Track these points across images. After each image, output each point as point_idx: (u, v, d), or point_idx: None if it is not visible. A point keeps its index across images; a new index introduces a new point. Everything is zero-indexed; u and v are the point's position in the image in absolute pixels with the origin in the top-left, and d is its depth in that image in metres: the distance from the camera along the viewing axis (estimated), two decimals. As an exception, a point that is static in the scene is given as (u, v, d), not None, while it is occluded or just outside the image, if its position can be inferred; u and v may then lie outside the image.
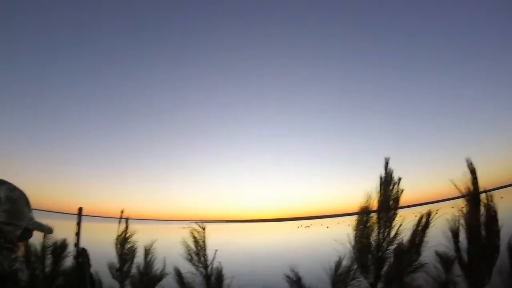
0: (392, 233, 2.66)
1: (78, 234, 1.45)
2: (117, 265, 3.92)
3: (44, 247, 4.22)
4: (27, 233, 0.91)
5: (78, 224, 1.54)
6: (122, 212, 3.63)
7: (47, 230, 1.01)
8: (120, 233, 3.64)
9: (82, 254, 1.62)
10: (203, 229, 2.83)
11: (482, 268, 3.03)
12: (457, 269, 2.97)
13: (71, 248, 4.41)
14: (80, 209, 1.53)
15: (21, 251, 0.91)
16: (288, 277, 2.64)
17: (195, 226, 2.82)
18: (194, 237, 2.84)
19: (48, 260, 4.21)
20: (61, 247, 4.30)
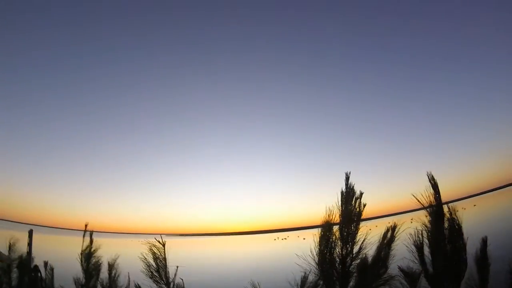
0: (356, 248, 2.63)
1: (29, 254, 1.35)
2: (83, 281, 3.77)
3: (10, 259, 4.08)
4: None
5: (29, 245, 1.44)
6: (86, 225, 3.50)
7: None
8: (84, 247, 3.51)
9: (34, 271, 1.53)
10: (163, 244, 2.73)
11: (450, 282, 3.03)
12: (424, 283, 2.95)
13: (37, 261, 4.23)
14: (30, 232, 1.45)
15: None
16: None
17: (155, 241, 2.72)
18: (154, 253, 2.74)
19: (14, 274, 4.06)
20: (26, 261, 4.15)
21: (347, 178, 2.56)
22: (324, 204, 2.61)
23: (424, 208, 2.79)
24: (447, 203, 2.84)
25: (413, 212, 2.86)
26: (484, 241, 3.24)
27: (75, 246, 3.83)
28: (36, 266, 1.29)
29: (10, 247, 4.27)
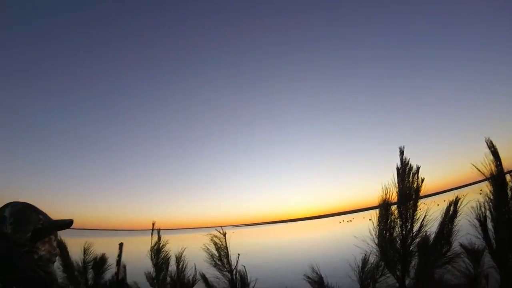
0: (416, 226, 2.60)
1: (118, 264, 1.46)
2: (153, 274, 4.22)
3: (85, 262, 4.66)
4: (41, 232, 0.97)
5: (119, 256, 1.58)
6: (153, 224, 3.91)
7: (63, 222, 1.04)
8: (153, 244, 3.92)
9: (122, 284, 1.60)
10: (224, 234, 2.97)
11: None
12: (488, 260, 2.80)
13: (110, 262, 4.80)
14: (121, 245, 1.57)
15: (45, 249, 0.97)
16: (308, 277, 2.69)
17: (216, 232, 2.98)
18: (215, 243, 3.00)
19: (90, 274, 4.63)
20: (101, 261, 4.71)
21: (402, 153, 2.52)
22: (382, 182, 2.60)
23: (485, 179, 2.64)
24: (510, 172, 2.66)
25: (475, 185, 2.73)
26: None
27: (145, 244, 4.25)
28: (123, 279, 1.40)
29: (85, 251, 4.87)
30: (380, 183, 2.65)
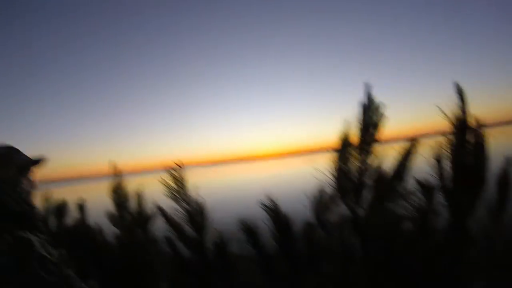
0: (373, 160, 2.60)
1: None
2: (115, 213, 4.13)
3: (47, 210, 4.55)
4: (23, 169, 1.11)
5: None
6: (113, 166, 3.80)
7: (38, 159, 1.16)
8: (113, 185, 3.80)
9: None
10: (181, 166, 2.85)
11: (466, 199, 2.99)
12: (439, 198, 2.94)
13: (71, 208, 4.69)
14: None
15: (25, 184, 1.11)
16: (264, 205, 2.68)
17: (174, 165, 2.85)
18: (173, 176, 2.89)
19: (53, 222, 4.54)
20: (61, 208, 4.62)
21: (367, 88, 2.42)
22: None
23: (448, 122, 2.63)
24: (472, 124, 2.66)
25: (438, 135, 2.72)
26: (509, 161, 3.11)
27: (106, 188, 4.13)
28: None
29: (46, 199, 4.70)
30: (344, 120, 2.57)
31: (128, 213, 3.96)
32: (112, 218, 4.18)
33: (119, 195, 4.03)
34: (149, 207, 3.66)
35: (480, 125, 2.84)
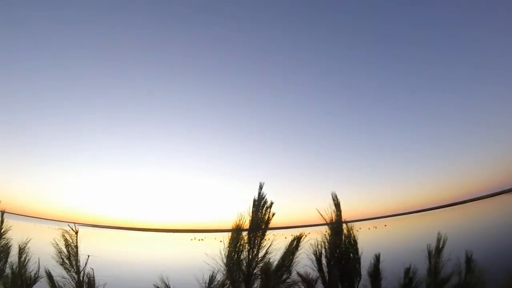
0: (262, 252, 2.94)
1: None
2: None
3: None
4: None
5: None
6: (-2, 202, 3.30)
7: None
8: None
9: None
10: (76, 232, 2.74)
11: (344, 289, 3.52)
12: (321, 289, 3.39)
13: None
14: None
15: None
16: (156, 287, 2.71)
17: (68, 228, 2.73)
18: (66, 240, 2.74)
19: None
20: None
21: (261, 187, 2.87)
22: (242, 209, 2.87)
23: (326, 224, 3.23)
24: (346, 222, 3.34)
25: (318, 227, 3.29)
26: (377, 257, 3.85)
27: None
28: None
29: None
30: (237, 210, 2.95)
31: (9, 267, 3.42)
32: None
33: None
34: (32, 266, 3.26)
35: (352, 224, 3.56)
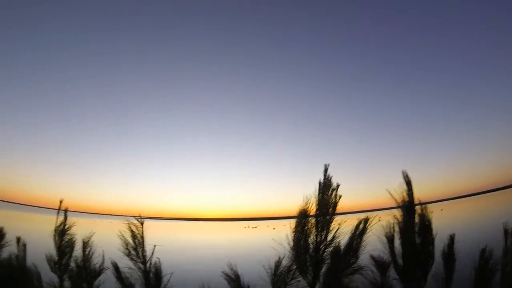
0: (330, 236, 2.73)
1: None
2: (56, 258, 3.69)
3: None
4: None
5: None
6: (61, 202, 3.42)
7: None
8: (58, 224, 3.43)
9: None
10: (142, 223, 2.73)
11: (417, 273, 3.22)
12: (392, 273, 3.13)
13: (9, 238, 4.12)
14: None
15: None
16: (226, 274, 2.62)
17: (133, 220, 2.72)
18: (132, 231, 2.74)
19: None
20: None
21: (326, 170, 2.65)
22: (298, 196, 2.69)
23: (397, 207, 2.93)
24: (421, 204, 3.00)
25: (388, 210, 3.00)
26: (452, 238, 3.47)
27: (49, 224, 3.74)
28: None
29: None
30: (290, 197, 2.75)
31: (73, 262, 3.56)
32: (53, 264, 3.72)
33: (64, 238, 3.64)
34: (97, 258, 3.36)
35: (425, 205, 3.21)
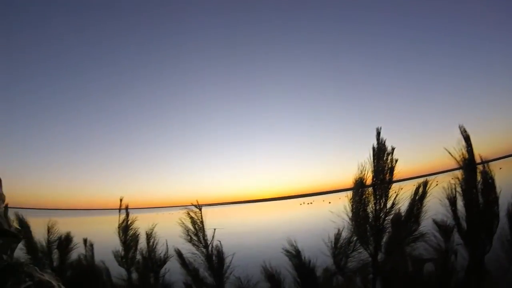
0: (389, 204, 2.65)
1: None
2: (122, 253, 4.01)
3: (49, 242, 4.34)
4: None
5: None
6: (121, 200, 3.69)
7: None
8: (121, 221, 3.71)
9: None
10: (200, 209, 2.86)
11: (482, 236, 3.02)
12: (456, 238, 2.97)
13: (76, 241, 4.51)
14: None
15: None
16: (286, 251, 2.67)
17: (191, 207, 2.85)
18: (192, 218, 2.88)
19: (55, 255, 4.33)
20: (66, 240, 4.42)
21: (378, 133, 2.55)
22: (352, 167, 2.62)
23: (458, 168, 2.75)
24: (482, 162, 2.79)
25: (447, 173, 2.83)
26: (517, 196, 3.20)
27: (112, 223, 4.04)
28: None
29: (49, 230, 4.53)
30: (339, 170, 2.69)
31: (139, 254, 3.85)
32: (120, 259, 4.05)
33: (127, 233, 3.94)
34: (161, 248, 3.60)
35: (487, 162, 2.98)
